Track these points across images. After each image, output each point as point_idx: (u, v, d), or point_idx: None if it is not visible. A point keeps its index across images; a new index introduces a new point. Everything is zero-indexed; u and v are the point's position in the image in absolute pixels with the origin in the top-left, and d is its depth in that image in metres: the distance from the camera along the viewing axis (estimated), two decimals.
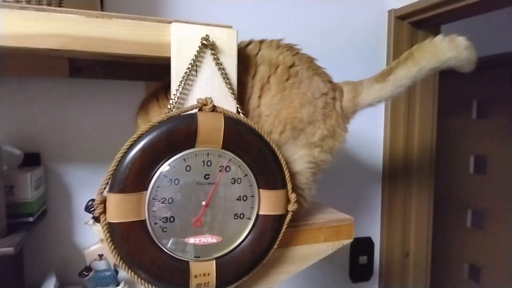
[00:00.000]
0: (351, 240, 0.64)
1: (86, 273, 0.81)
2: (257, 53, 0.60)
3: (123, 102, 0.89)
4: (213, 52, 0.52)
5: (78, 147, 0.87)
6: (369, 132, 1.15)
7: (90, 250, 0.82)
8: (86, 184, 0.88)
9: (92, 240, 0.77)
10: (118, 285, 0.83)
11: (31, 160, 0.83)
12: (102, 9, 0.78)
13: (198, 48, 0.51)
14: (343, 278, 1.15)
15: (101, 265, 0.83)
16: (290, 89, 0.60)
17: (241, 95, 0.57)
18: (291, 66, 0.61)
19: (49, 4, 0.63)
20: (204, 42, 0.51)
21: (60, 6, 0.64)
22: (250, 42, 0.63)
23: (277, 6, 1.02)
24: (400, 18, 1.12)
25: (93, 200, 0.70)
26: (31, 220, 0.74)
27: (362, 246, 1.15)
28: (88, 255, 0.82)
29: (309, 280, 1.10)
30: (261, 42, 0.63)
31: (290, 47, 0.64)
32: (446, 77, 1.90)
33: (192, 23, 0.52)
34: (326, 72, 0.67)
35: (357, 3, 1.11)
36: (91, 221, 0.71)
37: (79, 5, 0.64)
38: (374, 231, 1.17)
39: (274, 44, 0.62)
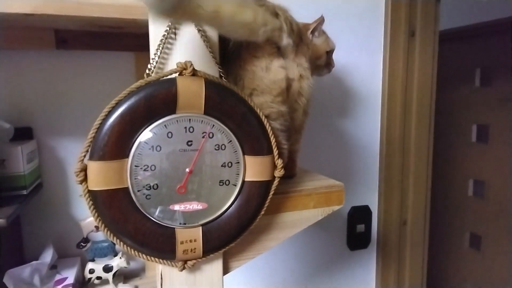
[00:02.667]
0: (341, 205, 0.64)
1: (83, 244, 0.83)
2: None
3: (113, 73, 0.88)
4: None
5: (70, 119, 0.87)
6: (366, 101, 1.13)
7: (86, 222, 0.83)
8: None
9: (88, 212, 0.77)
10: (116, 255, 0.85)
11: (24, 134, 0.83)
12: None
13: None
14: (341, 246, 1.16)
15: (98, 236, 0.84)
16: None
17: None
18: None
19: None
20: None
21: None
22: None
23: None
24: None
25: None
26: (25, 193, 0.74)
27: (359, 214, 1.15)
28: (85, 226, 0.83)
29: (306, 249, 1.11)
30: None
31: None
32: (448, 42, 1.85)
33: None
34: None
35: None
36: None
37: None
38: (371, 200, 1.17)
39: None
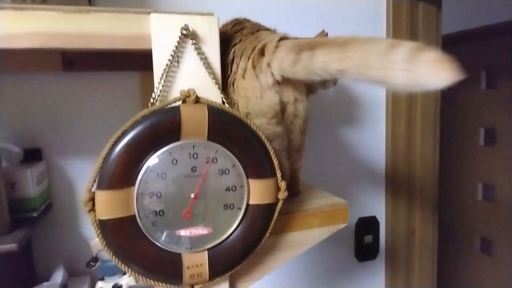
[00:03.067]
0: (346, 223, 0.64)
1: (93, 263, 0.84)
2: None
3: (119, 92, 0.89)
4: (194, 41, 0.51)
5: (78, 139, 0.88)
6: (370, 110, 1.13)
7: (96, 241, 0.84)
8: (89, 175, 0.89)
9: None
10: (125, 273, 0.86)
11: (33, 155, 0.85)
12: (89, 3, 0.77)
13: (179, 38, 0.50)
14: (349, 257, 1.15)
15: (107, 255, 0.85)
16: None
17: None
18: None
19: (33, 1, 0.63)
20: (184, 32, 0.50)
21: (44, 1, 0.64)
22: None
23: None
24: None
25: None
26: (35, 215, 0.75)
27: (367, 225, 1.15)
28: (94, 245, 0.84)
29: (314, 261, 1.11)
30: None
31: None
32: (451, 46, 1.84)
33: (171, 12, 0.51)
34: None
35: None
36: None
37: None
38: (378, 210, 1.17)
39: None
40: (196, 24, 0.51)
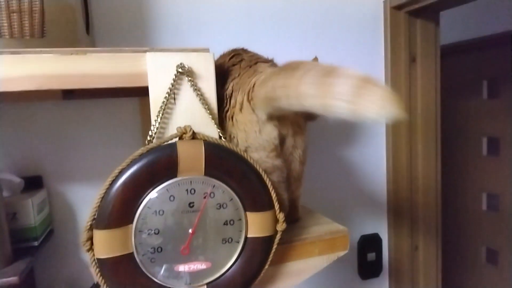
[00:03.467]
0: (346, 251, 0.64)
1: None
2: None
3: (118, 119, 0.90)
4: (190, 78, 0.51)
5: (78, 166, 0.89)
6: (371, 129, 1.13)
7: None
8: (89, 201, 0.90)
9: None
10: None
11: (34, 183, 0.85)
12: (87, 32, 0.78)
13: (175, 76, 0.51)
14: (352, 275, 1.15)
15: None
16: None
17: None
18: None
19: (31, 36, 0.64)
20: (180, 70, 0.50)
21: (43, 37, 0.65)
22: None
23: None
24: (396, 8, 1.08)
25: None
26: (36, 244, 0.76)
27: (369, 243, 1.14)
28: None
29: (317, 280, 1.11)
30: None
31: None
32: (452, 56, 1.84)
33: (167, 50, 0.51)
34: None
35: None
36: None
37: (61, 34, 0.65)
38: (381, 227, 1.16)
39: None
40: (192, 60, 0.52)
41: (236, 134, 0.56)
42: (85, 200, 0.90)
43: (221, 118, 0.56)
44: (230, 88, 0.57)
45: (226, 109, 0.57)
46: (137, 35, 0.90)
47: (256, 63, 0.58)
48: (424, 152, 1.16)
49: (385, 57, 1.11)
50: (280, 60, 0.67)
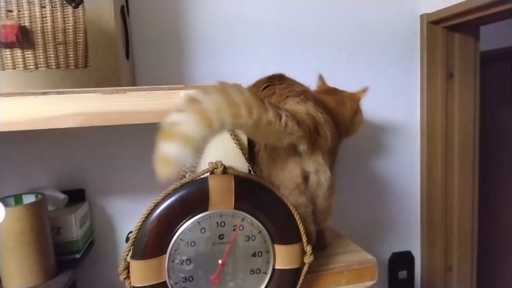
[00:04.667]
0: (375, 281, 0.64)
1: None
2: None
3: (154, 133, 0.94)
4: None
5: (118, 180, 0.94)
6: (405, 144, 1.11)
7: None
8: (128, 214, 0.95)
9: None
10: None
11: (77, 196, 0.91)
12: (127, 57, 0.82)
13: None
14: None
15: None
16: None
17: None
18: None
19: (76, 66, 0.69)
20: None
21: (86, 67, 0.69)
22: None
23: (308, 11, 1.01)
24: (433, 23, 1.05)
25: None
26: (78, 256, 0.81)
27: (401, 260, 1.13)
28: None
29: None
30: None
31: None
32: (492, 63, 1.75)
33: (200, 87, 0.53)
34: None
35: (387, 8, 1.06)
36: None
37: (103, 63, 0.69)
38: (414, 245, 1.14)
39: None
40: None
41: (262, 171, 0.57)
42: (123, 212, 0.95)
43: (253, 152, 0.58)
44: None
45: (254, 144, 0.58)
46: (174, 59, 0.93)
47: (286, 98, 0.59)
48: (461, 170, 1.12)
49: (421, 73, 1.09)
50: (314, 81, 0.68)
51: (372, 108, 1.07)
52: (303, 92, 0.63)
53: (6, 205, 0.71)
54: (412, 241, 1.14)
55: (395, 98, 1.09)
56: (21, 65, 0.67)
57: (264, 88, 0.63)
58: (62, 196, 0.82)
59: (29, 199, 0.76)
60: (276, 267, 0.55)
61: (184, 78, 0.95)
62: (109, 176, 0.93)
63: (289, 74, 0.94)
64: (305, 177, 0.57)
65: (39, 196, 0.75)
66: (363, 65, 1.06)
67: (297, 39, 1.01)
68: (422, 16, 1.07)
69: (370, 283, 0.64)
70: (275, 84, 0.63)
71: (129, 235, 0.77)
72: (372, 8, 1.05)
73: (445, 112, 1.09)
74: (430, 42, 1.07)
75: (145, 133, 0.93)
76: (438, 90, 1.08)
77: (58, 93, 0.51)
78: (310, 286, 0.61)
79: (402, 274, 1.13)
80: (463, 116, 1.10)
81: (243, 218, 0.53)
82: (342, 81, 0.95)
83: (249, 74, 0.97)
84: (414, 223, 1.14)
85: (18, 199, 0.75)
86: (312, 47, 1.02)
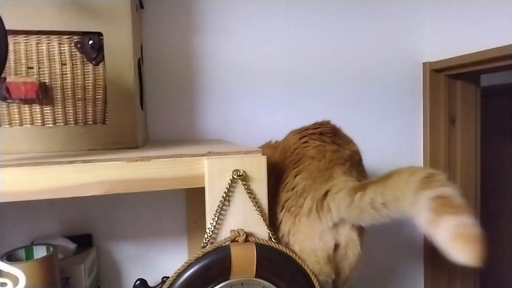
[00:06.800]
0: None
1: None
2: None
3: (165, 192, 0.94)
4: (244, 182, 0.54)
5: (126, 225, 0.94)
6: None
7: None
8: (135, 260, 0.94)
9: None
10: None
11: (84, 241, 0.90)
12: (142, 107, 0.83)
13: (230, 181, 0.54)
14: None
15: None
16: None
17: None
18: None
19: (94, 123, 0.70)
20: (235, 176, 0.53)
21: (104, 123, 0.70)
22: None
23: (315, 56, 1.04)
24: (436, 71, 1.09)
25: (140, 279, 0.75)
26: None
27: None
28: None
29: None
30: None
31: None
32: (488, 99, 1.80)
33: (223, 154, 0.55)
34: None
35: (392, 54, 1.10)
36: None
37: (121, 119, 0.69)
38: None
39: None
40: (245, 164, 0.55)
41: (295, 232, 0.58)
42: (130, 258, 0.94)
43: (275, 207, 0.59)
44: (302, 185, 0.59)
45: (290, 202, 0.59)
46: (185, 106, 0.95)
47: (334, 166, 0.60)
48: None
49: (424, 119, 1.11)
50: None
51: (377, 151, 1.09)
52: (350, 158, 0.63)
53: (17, 258, 0.71)
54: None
55: (399, 143, 1.11)
56: (40, 121, 0.68)
57: (318, 145, 0.63)
58: (72, 245, 0.81)
59: (39, 251, 0.75)
60: None
61: (195, 124, 0.96)
62: (116, 221, 0.93)
63: (297, 116, 0.97)
64: (335, 249, 0.58)
65: (50, 249, 0.74)
66: (369, 109, 1.08)
67: (305, 83, 1.03)
68: (425, 64, 1.11)
69: None
70: (326, 144, 0.63)
71: (137, 283, 0.77)
72: (378, 53, 1.09)
73: (447, 157, 1.12)
74: (432, 89, 1.10)
75: None
76: (441, 136, 1.11)
77: (84, 161, 0.51)
78: None
79: None
80: (465, 162, 1.12)
81: (264, 286, 0.54)
82: (348, 122, 1.01)
83: (257, 119, 1.00)
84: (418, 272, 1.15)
85: (28, 252, 0.74)
86: (317, 89, 1.04)
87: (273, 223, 0.59)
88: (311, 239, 0.57)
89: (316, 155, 0.61)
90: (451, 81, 1.11)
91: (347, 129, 0.89)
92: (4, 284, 0.51)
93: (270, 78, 1.01)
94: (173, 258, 0.96)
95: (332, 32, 1.05)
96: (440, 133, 1.11)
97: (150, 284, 0.75)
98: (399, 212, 0.49)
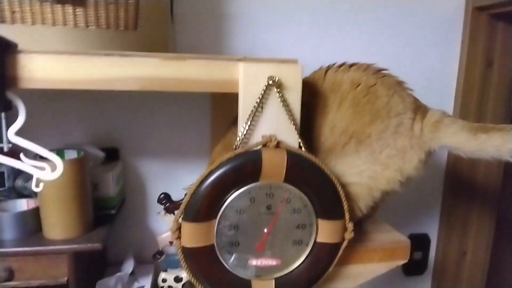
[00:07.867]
0: (406, 260, 0.66)
1: (159, 256, 0.92)
2: (344, 74, 0.64)
3: (190, 102, 0.95)
4: (278, 90, 0.54)
5: (151, 142, 0.96)
6: None
7: (162, 237, 0.92)
8: (159, 176, 0.98)
9: (164, 228, 0.85)
10: None
11: (111, 154, 0.93)
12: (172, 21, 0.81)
13: (265, 87, 0.53)
14: (396, 271, 1.17)
15: (172, 249, 0.93)
16: (364, 105, 0.61)
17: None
18: (372, 86, 0.62)
19: (126, 28, 0.69)
20: (270, 82, 0.53)
21: (136, 29, 0.69)
22: (341, 65, 0.66)
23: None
24: (478, 9, 1.02)
25: (164, 193, 0.78)
26: (113, 212, 0.84)
27: (418, 242, 1.15)
28: (161, 241, 0.92)
29: None
30: (351, 65, 0.65)
31: (378, 71, 0.65)
32: None
33: (259, 60, 0.54)
34: (411, 94, 0.66)
35: None
36: (163, 212, 0.79)
37: (152, 27, 0.68)
38: (431, 228, 1.17)
39: (362, 67, 0.65)
40: (281, 72, 0.54)
41: (384, 141, 0.61)
42: (153, 173, 0.97)
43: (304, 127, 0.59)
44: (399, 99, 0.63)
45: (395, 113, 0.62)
46: (213, 27, 0.93)
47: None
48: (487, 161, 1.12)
49: (460, 60, 1.07)
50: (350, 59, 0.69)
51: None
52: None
53: None
54: (430, 224, 1.16)
55: (431, 82, 1.08)
56: (72, 22, 0.67)
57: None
58: (101, 154, 0.84)
59: (71, 154, 0.78)
60: (317, 240, 0.57)
61: (221, 47, 0.94)
62: (143, 138, 0.95)
63: (329, 49, 0.94)
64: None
65: (81, 153, 0.77)
66: (403, 44, 1.04)
67: (338, 15, 0.99)
68: (467, 1, 1.04)
69: (401, 261, 0.66)
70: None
71: (161, 196, 0.79)
72: None
73: (479, 101, 1.08)
74: (472, 29, 1.04)
75: (178, 98, 0.94)
76: (476, 79, 1.07)
77: (121, 55, 0.51)
78: (345, 260, 0.63)
79: (417, 254, 1.16)
80: (497, 107, 1.09)
81: (291, 192, 0.55)
82: (382, 55, 1.01)
83: (284, 49, 0.98)
84: (434, 208, 1.16)
85: (60, 154, 0.77)
86: (349, 26, 1.00)
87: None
88: (400, 155, 0.61)
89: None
90: (493, 21, 1.05)
91: (379, 61, 0.87)
92: (43, 168, 0.53)
93: (298, 9, 0.97)
94: (196, 176, 0.98)
95: None
96: (475, 75, 1.07)
97: (174, 199, 0.78)
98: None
